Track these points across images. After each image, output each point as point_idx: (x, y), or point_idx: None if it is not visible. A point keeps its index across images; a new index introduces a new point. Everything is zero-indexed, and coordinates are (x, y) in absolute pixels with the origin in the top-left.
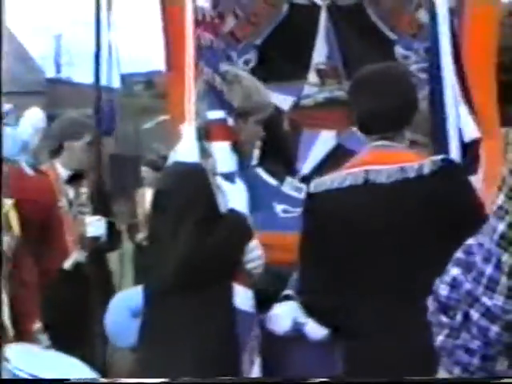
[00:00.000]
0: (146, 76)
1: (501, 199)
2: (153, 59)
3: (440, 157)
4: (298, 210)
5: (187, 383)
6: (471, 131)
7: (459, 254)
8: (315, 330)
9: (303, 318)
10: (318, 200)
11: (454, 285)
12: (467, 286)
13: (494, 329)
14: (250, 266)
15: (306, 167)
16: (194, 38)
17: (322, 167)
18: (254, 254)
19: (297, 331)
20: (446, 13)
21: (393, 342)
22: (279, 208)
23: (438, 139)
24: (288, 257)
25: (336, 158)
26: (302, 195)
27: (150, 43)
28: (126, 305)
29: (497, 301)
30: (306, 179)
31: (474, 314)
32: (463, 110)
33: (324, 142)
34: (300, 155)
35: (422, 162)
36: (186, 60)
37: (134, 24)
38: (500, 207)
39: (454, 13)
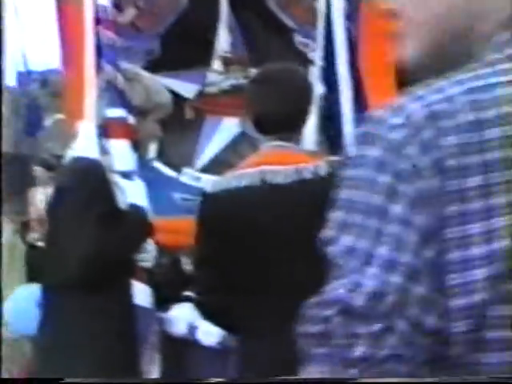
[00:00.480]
0: (41, 74)
1: None
2: (48, 57)
3: (336, 158)
4: (197, 198)
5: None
6: None
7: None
8: (207, 336)
9: (198, 322)
10: (214, 199)
11: (374, 295)
12: (391, 298)
13: (422, 339)
14: (141, 257)
15: (206, 155)
16: (93, 35)
17: (224, 155)
18: (147, 247)
19: (191, 335)
20: (341, 1)
21: (289, 340)
22: (178, 196)
23: (334, 138)
24: (187, 240)
25: (240, 145)
26: (201, 184)
27: (44, 40)
28: (29, 293)
29: (414, 311)
30: (206, 167)
31: (400, 324)
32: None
33: (227, 129)
34: (202, 143)
35: (317, 163)
36: (86, 58)
37: (28, 21)
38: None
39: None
